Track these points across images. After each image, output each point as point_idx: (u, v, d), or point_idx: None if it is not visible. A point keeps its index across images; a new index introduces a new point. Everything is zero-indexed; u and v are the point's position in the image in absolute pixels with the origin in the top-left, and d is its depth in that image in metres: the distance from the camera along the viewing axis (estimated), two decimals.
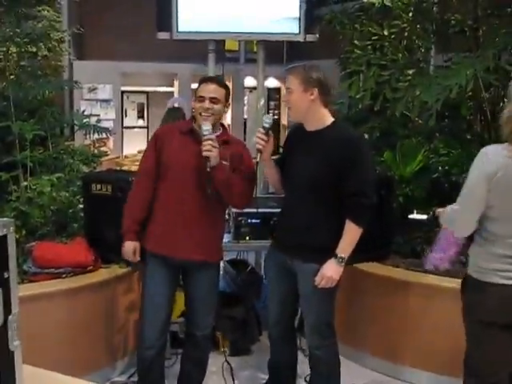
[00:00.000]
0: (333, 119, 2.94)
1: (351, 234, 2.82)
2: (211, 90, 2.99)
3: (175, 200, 2.99)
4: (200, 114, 2.98)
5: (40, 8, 5.90)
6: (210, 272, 3.16)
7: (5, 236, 1.48)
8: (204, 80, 3.07)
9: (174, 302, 3.27)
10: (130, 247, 3.07)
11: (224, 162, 2.97)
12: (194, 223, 3.00)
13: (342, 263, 2.82)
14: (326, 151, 2.82)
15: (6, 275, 1.48)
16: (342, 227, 2.82)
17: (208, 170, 2.86)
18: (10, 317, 1.51)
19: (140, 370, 3.24)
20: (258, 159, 2.93)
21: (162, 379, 3.31)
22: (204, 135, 2.88)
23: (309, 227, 2.89)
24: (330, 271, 2.81)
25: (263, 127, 2.91)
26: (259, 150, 2.90)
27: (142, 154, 3.24)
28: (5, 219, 1.51)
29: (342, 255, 2.81)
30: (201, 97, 2.99)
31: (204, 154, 2.85)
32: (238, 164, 3.05)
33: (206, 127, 2.89)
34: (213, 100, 2.97)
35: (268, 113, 13.72)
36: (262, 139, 2.88)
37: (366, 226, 2.82)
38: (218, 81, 3.08)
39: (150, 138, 3.19)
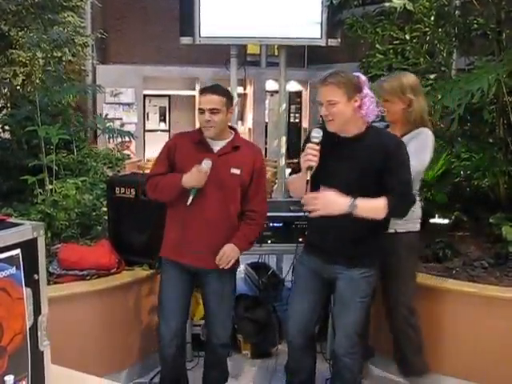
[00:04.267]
0: (366, 123, 2.83)
1: (378, 205, 2.67)
2: (209, 101, 2.97)
3: (189, 208, 3.00)
4: (205, 126, 3.00)
5: (65, 14, 5.99)
6: (224, 282, 3.16)
7: (35, 239, 1.52)
8: (202, 91, 3.05)
9: (189, 304, 3.33)
10: (193, 170, 2.93)
11: (234, 171, 3.01)
12: (207, 231, 3.03)
13: (351, 203, 2.64)
14: (371, 156, 2.74)
15: (36, 277, 1.53)
16: (383, 230, 2.84)
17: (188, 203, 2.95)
18: (40, 317, 1.55)
19: (162, 367, 3.34)
20: (308, 177, 2.69)
21: (182, 376, 3.39)
22: (201, 169, 2.91)
23: (354, 238, 2.80)
24: (333, 200, 2.65)
25: (313, 142, 2.72)
26: (311, 168, 2.70)
27: None
28: (35, 222, 1.55)
29: (356, 203, 2.64)
30: (200, 109, 3.00)
31: (196, 185, 2.94)
32: (252, 173, 3.07)
33: (207, 167, 2.93)
34: (212, 111, 2.96)
35: (289, 116, 13.75)
36: (313, 154, 2.70)
37: (388, 216, 2.75)
38: (216, 90, 3.02)
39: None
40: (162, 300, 3.19)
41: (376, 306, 3.46)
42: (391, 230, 3.08)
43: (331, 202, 2.67)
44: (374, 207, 2.70)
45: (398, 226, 3.17)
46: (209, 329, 3.30)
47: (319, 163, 2.74)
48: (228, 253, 3.02)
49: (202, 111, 2.98)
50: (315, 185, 2.78)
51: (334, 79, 2.71)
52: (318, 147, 2.71)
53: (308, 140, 2.80)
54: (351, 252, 2.84)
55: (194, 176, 2.90)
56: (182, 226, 3.06)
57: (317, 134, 2.73)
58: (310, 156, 2.70)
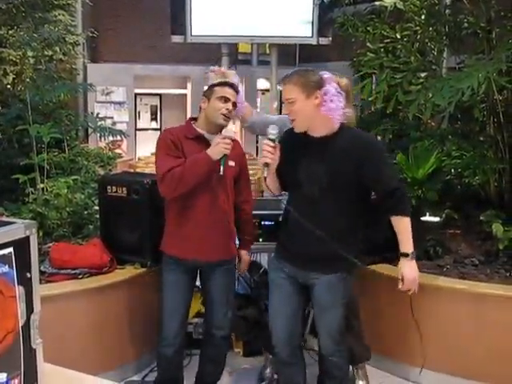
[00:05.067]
0: (337, 121, 2.74)
1: (406, 228, 2.72)
2: (233, 94, 3.05)
3: (189, 205, 3.03)
4: (224, 114, 3.01)
5: (56, 12, 5.98)
6: (227, 271, 3.22)
7: (27, 237, 1.52)
8: (225, 84, 3.07)
9: (191, 302, 3.33)
10: (218, 140, 2.91)
11: (231, 163, 3.04)
12: (213, 224, 3.06)
13: (413, 258, 2.74)
14: (340, 158, 2.67)
15: (28, 275, 1.53)
16: (360, 232, 2.80)
17: (221, 173, 2.90)
18: (33, 315, 1.55)
19: (160, 366, 3.34)
20: (265, 174, 2.74)
21: (180, 375, 3.39)
22: (229, 136, 2.91)
23: (328, 239, 2.69)
24: (410, 272, 2.74)
25: (270, 139, 2.72)
26: (267, 164, 2.72)
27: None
28: (27, 221, 1.56)
29: (411, 250, 2.73)
30: (226, 98, 3.02)
31: (224, 151, 2.89)
32: (242, 164, 3.19)
33: (231, 132, 2.95)
34: (234, 103, 3.05)
35: (280, 114, 13.75)
36: (271, 152, 2.70)
37: (410, 213, 2.76)
38: (234, 86, 3.09)
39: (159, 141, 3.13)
40: (166, 299, 3.18)
41: (370, 307, 3.47)
42: None
43: (415, 278, 2.76)
44: (409, 233, 2.74)
45: None
46: (211, 321, 3.29)
47: (287, 163, 2.76)
48: (247, 260, 3.41)
49: (227, 100, 3.02)
50: (291, 186, 2.83)
51: (291, 78, 2.70)
52: (273, 144, 2.70)
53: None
54: (323, 256, 2.75)
55: (223, 144, 2.87)
56: (186, 222, 3.07)
57: (273, 131, 2.72)
58: (265, 152, 2.71)
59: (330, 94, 2.69)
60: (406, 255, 2.72)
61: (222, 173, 2.89)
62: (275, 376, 3.64)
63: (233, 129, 2.98)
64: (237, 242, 3.50)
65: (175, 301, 3.17)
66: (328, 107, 2.68)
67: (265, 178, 2.75)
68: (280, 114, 11.96)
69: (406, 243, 2.73)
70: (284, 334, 2.97)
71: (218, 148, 2.87)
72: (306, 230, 2.72)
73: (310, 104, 2.67)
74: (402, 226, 2.73)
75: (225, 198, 3.09)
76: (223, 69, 3.20)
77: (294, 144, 2.79)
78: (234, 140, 2.97)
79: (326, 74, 2.76)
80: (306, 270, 2.80)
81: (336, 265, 2.76)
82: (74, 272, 3.54)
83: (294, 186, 2.83)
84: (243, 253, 3.35)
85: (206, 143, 3.01)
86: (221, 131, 3.01)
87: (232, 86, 3.09)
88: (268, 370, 3.70)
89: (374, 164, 2.69)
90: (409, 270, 2.74)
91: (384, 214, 2.79)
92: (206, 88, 3.13)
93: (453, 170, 4.66)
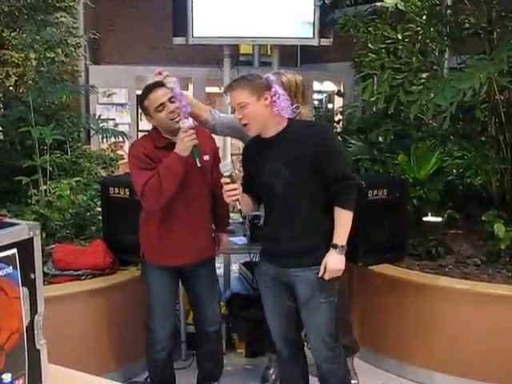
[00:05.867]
0: (286, 118, 2.78)
1: (343, 219, 2.72)
2: (163, 93, 2.94)
3: (165, 211, 3.01)
4: (171, 119, 2.94)
5: (58, 15, 5.99)
6: (210, 269, 3.29)
7: (31, 238, 1.53)
8: (150, 89, 2.98)
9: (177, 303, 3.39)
10: (180, 136, 2.88)
11: (206, 157, 3.03)
12: (193, 224, 3.07)
13: (342, 252, 2.72)
14: (295, 149, 2.71)
15: (32, 276, 1.54)
16: (332, 223, 2.74)
17: (199, 165, 2.90)
18: (37, 316, 1.56)
19: (153, 371, 3.33)
20: (238, 206, 2.79)
21: (173, 379, 3.40)
22: (187, 127, 2.86)
23: (301, 232, 2.76)
24: (334, 262, 2.71)
25: (225, 177, 2.68)
26: (236, 201, 2.73)
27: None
28: (31, 222, 1.57)
29: (342, 244, 2.71)
30: (160, 105, 2.94)
31: (191, 143, 2.86)
32: (215, 155, 3.20)
33: (188, 123, 2.90)
34: (171, 100, 2.94)
35: None
36: (233, 189, 2.68)
37: (354, 208, 2.73)
38: (162, 83, 2.96)
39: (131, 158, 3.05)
40: (154, 305, 3.18)
41: (359, 301, 3.47)
42: None
43: (335, 269, 2.72)
44: (345, 226, 2.73)
45: None
46: (202, 319, 3.31)
47: (252, 173, 2.83)
48: (225, 242, 3.43)
49: (162, 106, 2.94)
50: (260, 189, 2.85)
51: (237, 83, 2.73)
52: (229, 180, 2.68)
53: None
54: (297, 250, 2.76)
55: (186, 138, 2.84)
56: (183, 226, 3.05)
57: (226, 168, 2.69)
58: (229, 192, 2.69)
59: (279, 93, 2.73)
60: (335, 246, 2.71)
61: (199, 164, 2.88)
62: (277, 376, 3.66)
63: (188, 121, 2.90)
64: (241, 242, 3.54)
65: (166, 305, 3.19)
66: (279, 106, 2.71)
67: (240, 211, 2.85)
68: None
69: (339, 235, 2.72)
70: (281, 333, 2.99)
71: (184, 143, 2.85)
72: (279, 229, 2.80)
73: (261, 105, 2.69)
74: (340, 217, 2.72)
75: (205, 194, 3.11)
76: (164, 72, 3.08)
77: (254, 153, 2.85)
78: (194, 128, 2.95)
79: (271, 76, 2.82)
80: (285, 267, 2.81)
81: (310, 258, 2.75)
82: (76, 273, 3.55)
83: (262, 190, 2.85)
84: (222, 235, 3.38)
85: (171, 145, 2.96)
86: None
87: (155, 84, 2.98)
88: (271, 371, 3.71)
89: (326, 149, 2.71)
90: (333, 260, 2.71)
91: (329, 202, 2.75)
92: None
93: (454, 171, 4.66)
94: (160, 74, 3.01)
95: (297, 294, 2.83)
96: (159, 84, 2.97)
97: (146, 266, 3.21)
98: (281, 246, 2.81)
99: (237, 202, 2.74)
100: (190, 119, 2.94)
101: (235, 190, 2.69)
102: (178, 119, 2.93)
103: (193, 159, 2.90)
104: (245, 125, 2.74)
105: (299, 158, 2.69)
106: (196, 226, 3.08)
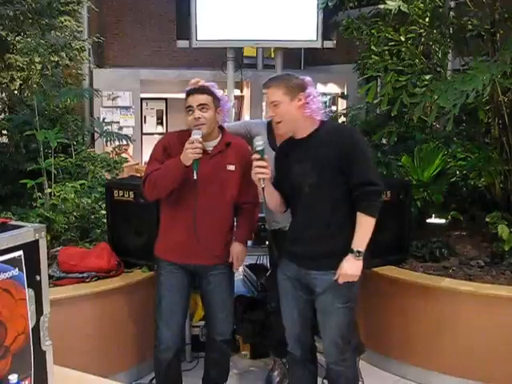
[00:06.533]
0: (318, 119, 2.81)
1: (364, 225, 2.70)
2: (197, 99, 2.99)
3: (183, 207, 3.04)
4: (195, 125, 2.97)
5: (62, 18, 6.02)
6: (224, 275, 3.20)
7: (37, 241, 1.55)
8: (190, 92, 3.05)
9: (189, 304, 3.34)
10: (186, 146, 2.90)
11: (230, 167, 3.05)
12: (210, 229, 3.06)
13: (359, 257, 2.69)
14: (323, 151, 2.73)
15: (38, 278, 1.56)
16: (350, 230, 2.72)
17: (195, 177, 2.89)
18: (42, 317, 1.57)
19: (158, 372, 3.30)
20: (262, 185, 2.75)
21: (179, 380, 3.37)
22: (194, 139, 2.89)
23: (323, 235, 2.78)
24: (349, 268, 2.69)
25: (256, 151, 2.74)
26: (262, 179, 2.74)
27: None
28: (36, 224, 1.59)
29: (359, 249, 2.69)
30: (189, 108, 3.00)
31: (192, 156, 2.87)
32: (246, 167, 3.05)
33: (197, 135, 2.91)
34: (202, 108, 2.98)
35: None
36: (262, 166, 2.71)
37: (377, 215, 2.71)
38: (203, 90, 3.04)
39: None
40: (161, 303, 3.17)
41: (362, 302, 3.47)
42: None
43: (350, 275, 2.71)
44: (365, 232, 2.71)
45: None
46: (211, 326, 3.29)
47: (282, 173, 2.85)
48: (236, 252, 3.15)
49: (191, 109, 2.99)
50: (288, 190, 2.86)
51: (273, 82, 2.78)
52: (260, 157, 2.71)
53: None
54: (319, 253, 2.78)
55: (189, 150, 2.87)
56: (183, 227, 3.06)
57: (258, 142, 2.73)
58: (257, 169, 2.72)
59: (312, 95, 2.76)
60: (352, 251, 2.70)
61: (195, 177, 2.88)
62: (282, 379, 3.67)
63: (199, 133, 2.91)
64: None
65: (172, 304, 3.15)
66: (311, 109, 2.74)
67: (263, 189, 2.77)
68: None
69: (357, 240, 2.70)
70: (294, 333, 3.00)
71: (186, 154, 2.88)
72: (302, 230, 2.83)
73: (293, 106, 2.73)
74: (361, 222, 2.70)
75: (222, 203, 3.07)
76: (200, 82, 3.15)
77: (284, 153, 2.89)
78: (229, 144, 3.04)
79: (307, 78, 2.83)
80: (305, 268, 2.83)
81: (330, 261, 2.75)
82: (81, 276, 3.56)
83: (290, 191, 2.87)
84: (234, 244, 3.17)
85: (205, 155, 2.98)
86: (214, 137, 3.07)
87: (198, 89, 3.04)
88: (276, 373, 3.71)
89: (356, 154, 2.71)
90: (348, 265, 2.70)
91: (354, 208, 2.74)
92: None
93: (458, 172, 4.66)
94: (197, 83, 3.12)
95: (315, 298, 2.84)
96: (200, 90, 3.04)
97: (157, 260, 3.22)
98: (303, 247, 2.84)
99: (261, 181, 2.73)
100: (200, 133, 2.92)
101: (264, 167, 2.71)
102: (200, 128, 2.96)
103: (211, 173, 2.97)
104: (277, 123, 2.78)
105: (326, 160, 2.71)
106: (203, 230, 3.03)
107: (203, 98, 2.99)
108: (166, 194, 3.03)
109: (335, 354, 2.89)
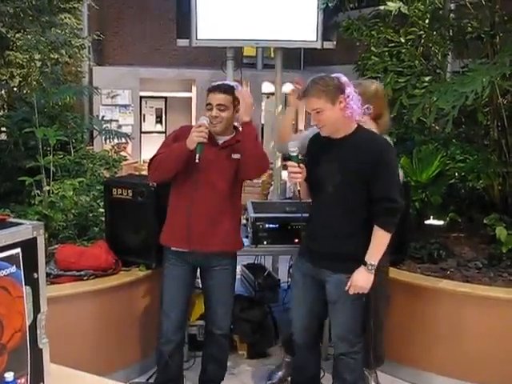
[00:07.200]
0: (355, 122, 2.87)
1: (379, 239, 2.78)
2: (218, 98, 3.07)
3: (189, 196, 3.10)
4: (211, 121, 3.07)
5: (63, 16, 6.02)
6: (226, 273, 3.25)
7: (35, 238, 1.54)
8: (211, 89, 3.13)
9: (191, 300, 3.38)
10: (192, 135, 2.99)
11: (235, 156, 3.11)
12: (208, 216, 3.11)
13: (371, 270, 2.78)
14: (352, 155, 2.80)
15: (35, 275, 1.55)
16: (369, 238, 2.81)
17: (197, 161, 2.96)
18: (39, 315, 1.57)
19: (158, 364, 3.35)
20: (298, 187, 2.91)
21: (180, 374, 3.41)
22: (200, 124, 3.00)
23: (338, 236, 2.87)
24: (360, 280, 2.79)
25: (291, 157, 2.85)
26: (297, 183, 2.89)
27: None
28: (35, 222, 1.58)
29: (372, 262, 2.78)
30: (208, 104, 3.10)
31: (197, 140, 2.95)
32: None
33: (204, 120, 3.01)
34: (220, 108, 3.07)
35: None
36: (296, 172, 2.84)
37: (393, 231, 2.80)
38: (225, 89, 3.10)
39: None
40: (163, 295, 3.24)
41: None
42: None
43: (361, 286, 2.81)
44: (379, 246, 2.80)
45: None
46: (210, 320, 3.34)
47: (311, 164, 2.90)
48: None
49: (210, 107, 3.08)
50: (312, 185, 2.94)
51: (313, 90, 2.79)
52: (296, 164, 2.83)
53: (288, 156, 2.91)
54: (334, 254, 2.87)
55: (195, 133, 2.96)
56: (182, 215, 3.13)
57: (292, 148, 2.84)
58: (293, 175, 2.85)
59: (352, 96, 2.80)
60: (365, 264, 2.79)
61: (197, 160, 2.96)
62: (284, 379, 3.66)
63: (206, 119, 3.02)
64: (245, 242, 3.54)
65: (174, 296, 3.21)
66: (351, 109, 2.79)
67: (299, 191, 2.92)
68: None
69: (372, 254, 2.79)
70: (301, 322, 3.14)
71: (191, 137, 2.97)
72: (321, 229, 2.93)
73: (336, 110, 2.78)
74: (377, 236, 2.79)
75: (227, 191, 3.13)
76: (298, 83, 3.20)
77: (318, 147, 2.95)
78: (239, 141, 3.09)
79: (342, 78, 2.86)
80: (319, 267, 2.94)
81: (344, 265, 2.84)
82: (79, 274, 3.56)
83: (314, 186, 2.96)
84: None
85: (211, 140, 3.08)
86: (228, 133, 3.15)
87: (220, 87, 3.11)
88: (280, 373, 3.69)
89: (382, 169, 2.77)
90: (359, 277, 2.80)
91: (370, 219, 2.81)
92: None
93: (457, 174, 4.67)
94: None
95: (327, 292, 2.95)
96: (222, 89, 3.09)
97: (164, 253, 3.27)
98: (318, 245, 2.95)
99: (297, 185, 2.88)
100: (207, 120, 3.03)
101: (298, 173, 2.83)
102: (215, 126, 3.07)
103: (217, 163, 3.07)
104: (321, 127, 2.85)
105: (354, 166, 2.78)
106: (197, 217, 3.09)
107: (222, 99, 3.07)
108: (169, 177, 3.12)
109: (344, 346, 3.00)
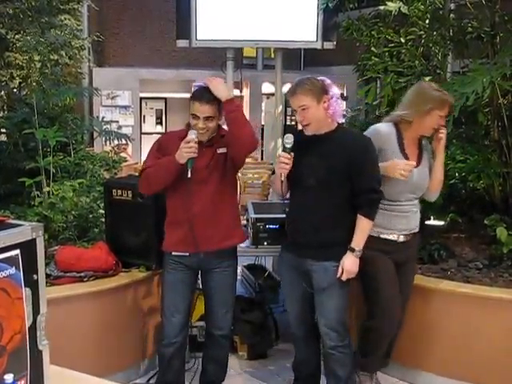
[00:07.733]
0: (337, 121, 3.06)
1: (364, 227, 2.98)
2: (204, 110, 2.99)
3: (184, 199, 3.08)
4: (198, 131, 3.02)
5: (62, 17, 6.02)
6: (227, 274, 3.25)
7: (34, 240, 1.54)
8: (196, 99, 3.02)
9: (192, 302, 3.38)
10: (182, 145, 2.96)
11: (221, 150, 3.10)
12: (208, 215, 3.10)
13: (358, 256, 2.98)
14: (334, 150, 2.97)
15: (35, 277, 1.55)
16: (352, 224, 2.98)
17: (189, 176, 2.97)
18: (39, 317, 1.57)
19: (160, 365, 3.35)
20: (282, 178, 2.99)
21: (181, 376, 3.41)
22: (189, 139, 2.96)
23: (321, 227, 3.01)
24: (350, 265, 2.97)
25: (286, 148, 2.98)
26: (283, 173, 2.98)
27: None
28: (34, 223, 1.58)
29: (359, 248, 2.98)
30: (194, 115, 3.02)
31: (187, 156, 2.94)
32: None
33: (193, 135, 2.97)
34: (207, 119, 3.01)
35: (285, 118, 13.77)
36: (287, 163, 2.96)
37: (374, 218, 3.02)
38: (210, 99, 2.99)
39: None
40: (165, 298, 3.23)
41: (359, 305, 3.48)
42: (415, 230, 3.37)
43: (350, 270, 2.99)
44: (364, 233, 3.00)
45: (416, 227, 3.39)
46: (211, 321, 3.34)
47: (295, 160, 2.99)
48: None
49: (196, 118, 3.02)
50: (293, 179, 3.03)
51: (300, 89, 2.96)
52: (289, 156, 2.96)
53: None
54: (316, 243, 3.01)
55: (185, 149, 2.94)
56: (178, 220, 3.13)
57: (288, 140, 2.97)
58: (283, 165, 2.96)
59: (335, 97, 3.00)
60: (353, 250, 2.98)
61: (189, 176, 2.98)
62: None
63: (195, 133, 2.98)
64: (244, 245, 3.52)
65: (175, 299, 3.19)
66: (334, 109, 2.99)
67: (281, 182, 3.01)
68: (284, 118, 11.97)
69: (357, 240, 2.99)
70: (296, 315, 3.29)
71: (181, 153, 2.96)
72: (301, 221, 3.06)
73: (320, 108, 2.96)
74: (361, 225, 2.98)
75: (219, 186, 3.11)
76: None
77: (299, 143, 3.03)
78: (223, 136, 3.09)
79: (327, 80, 3.04)
80: (302, 257, 3.07)
81: (328, 252, 3.00)
82: (79, 275, 3.55)
83: (295, 180, 3.05)
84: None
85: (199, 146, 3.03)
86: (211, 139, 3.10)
87: (199, 98, 3.01)
88: None
89: (365, 164, 2.97)
90: (349, 263, 2.98)
91: (353, 208, 3.00)
92: None
93: (457, 174, 4.65)
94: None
95: (313, 282, 3.08)
96: (207, 99, 2.99)
97: (164, 258, 3.26)
98: (301, 237, 3.08)
99: (282, 175, 2.98)
100: (196, 133, 2.99)
101: (286, 164, 2.95)
102: (203, 136, 3.04)
103: (203, 161, 3.04)
104: (305, 125, 3.01)
105: (336, 161, 2.95)
106: (202, 216, 3.08)
107: (210, 111, 3.01)
108: (159, 189, 3.14)
109: (333, 339, 3.09)
